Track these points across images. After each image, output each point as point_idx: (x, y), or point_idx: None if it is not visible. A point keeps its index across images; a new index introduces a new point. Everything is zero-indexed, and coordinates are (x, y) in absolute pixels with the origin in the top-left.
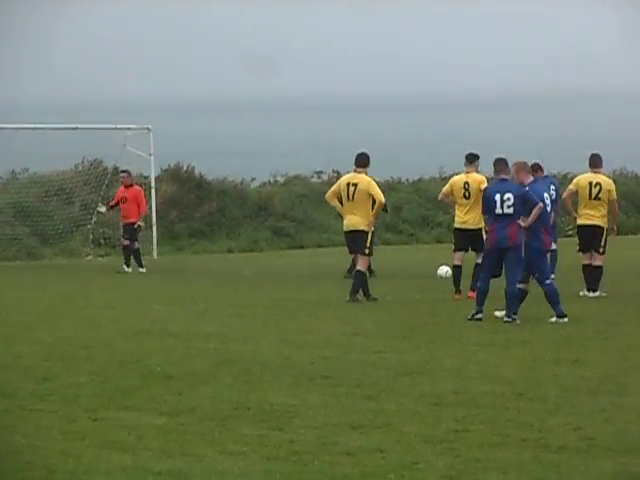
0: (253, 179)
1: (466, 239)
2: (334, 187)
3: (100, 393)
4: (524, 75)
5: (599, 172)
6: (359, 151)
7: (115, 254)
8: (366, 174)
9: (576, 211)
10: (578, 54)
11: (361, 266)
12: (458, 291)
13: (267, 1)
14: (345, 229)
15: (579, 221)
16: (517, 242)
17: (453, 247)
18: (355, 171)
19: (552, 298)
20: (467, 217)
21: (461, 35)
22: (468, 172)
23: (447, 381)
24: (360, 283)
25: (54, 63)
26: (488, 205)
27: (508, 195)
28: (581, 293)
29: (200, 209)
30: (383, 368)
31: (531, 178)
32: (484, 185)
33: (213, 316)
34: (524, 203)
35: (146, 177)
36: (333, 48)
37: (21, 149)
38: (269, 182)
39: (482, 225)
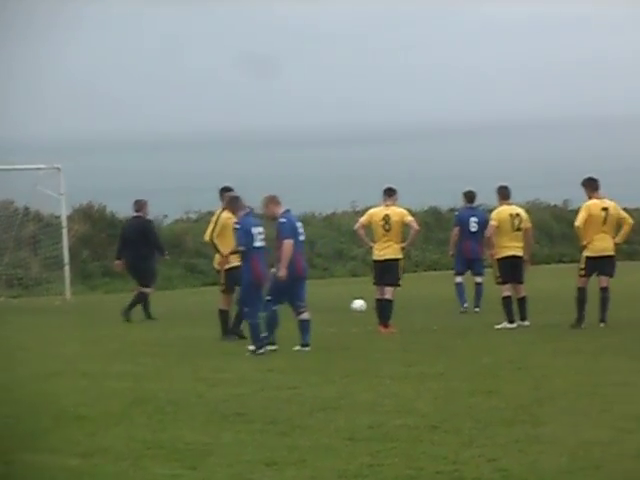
0: (165, 216)
1: (385, 271)
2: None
3: (12, 436)
4: (410, 109)
5: (512, 203)
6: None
7: (27, 295)
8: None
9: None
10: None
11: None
12: (382, 324)
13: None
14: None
15: (504, 253)
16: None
17: (373, 280)
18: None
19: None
20: (386, 250)
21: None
22: (388, 205)
23: (361, 415)
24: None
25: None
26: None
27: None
28: (499, 326)
29: (112, 248)
30: (297, 404)
31: (282, 208)
32: (407, 218)
33: (126, 355)
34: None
35: (57, 217)
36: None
37: None
38: (182, 219)
39: (400, 256)
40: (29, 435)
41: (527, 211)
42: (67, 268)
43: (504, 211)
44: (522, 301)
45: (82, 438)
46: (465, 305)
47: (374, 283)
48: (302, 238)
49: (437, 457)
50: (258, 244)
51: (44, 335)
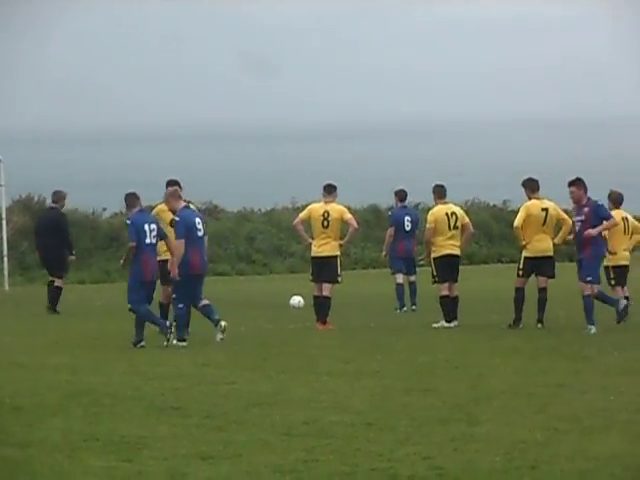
0: (104, 209)
1: (324, 268)
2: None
3: None
4: (361, 107)
5: (448, 202)
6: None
7: None
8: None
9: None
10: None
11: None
12: (320, 320)
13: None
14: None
15: (443, 251)
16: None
17: (311, 277)
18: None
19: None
20: (325, 246)
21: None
22: (327, 201)
23: (298, 411)
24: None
25: None
26: None
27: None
28: (436, 325)
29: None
30: (234, 399)
31: (182, 204)
32: (347, 215)
33: (64, 347)
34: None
35: None
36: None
37: None
38: (120, 212)
39: (338, 253)
40: None
41: (466, 211)
42: (6, 259)
43: (440, 210)
44: (455, 300)
45: (18, 429)
46: (404, 309)
47: (312, 280)
48: (200, 234)
49: (372, 454)
50: (148, 241)
51: None
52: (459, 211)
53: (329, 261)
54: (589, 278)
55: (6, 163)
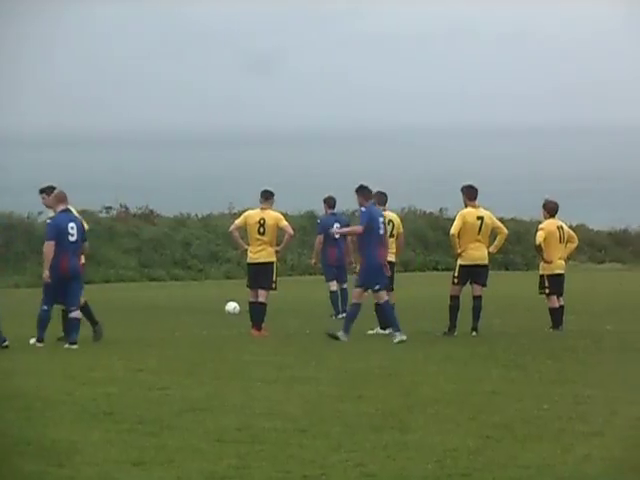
0: (40, 213)
1: (260, 274)
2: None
3: None
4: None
5: (387, 209)
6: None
7: None
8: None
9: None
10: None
11: None
12: (255, 327)
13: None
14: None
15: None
16: None
17: (247, 283)
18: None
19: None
20: (260, 253)
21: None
22: (264, 208)
23: (230, 417)
24: None
25: None
26: None
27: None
28: (371, 331)
29: None
30: (167, 404)
31: (61, 207)
32: (282, 222)
33: None
34: None
35: None
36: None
37: None
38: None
39: (274, 260)
40: None
41: (401, 218)
42: None
43: (385, 217)
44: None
45: None
46: (340, 315)
47: (248, 286)
48: (73, 239)
49: (305, 461)
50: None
51: None
52: (397, 219)
53: (265, 267)
54: (377, 286)
55: None
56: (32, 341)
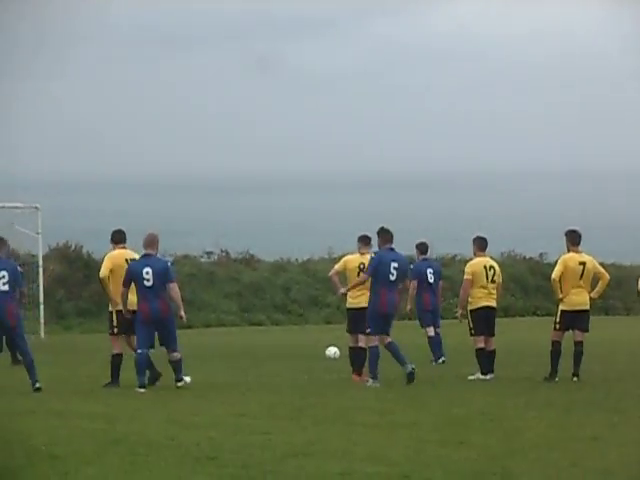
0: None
1: (359, 319)
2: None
3: None
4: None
5: (487, 255)
6: (116, 229)
7: None
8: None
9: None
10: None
11: None
12: (356, 372)
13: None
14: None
15: (479, 304)
16: None
17: (347, 328)
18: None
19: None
20: (360, 298)
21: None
22: (362, 253)
23: (333, 462)
24: None
25: None
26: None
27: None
28: (472, 377)
29: (88, 288)
30: (269, 449)
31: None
32: None
33: (99, 396)
34: None
35: (34, 256)
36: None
37: None
38: None
39: None
40: (2, 472)
41: (500, 264)
42: (42, 307)
43: (479, 263)
44: (491, 354)
45: (54, 477)
46: (440, 360)
47: (347, 331)
48: (148, 284)
49: None
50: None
51: (16, 374)
52: (497, 266)
53: (365, 312)
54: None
55: (44, 210)
56: (136, 389)
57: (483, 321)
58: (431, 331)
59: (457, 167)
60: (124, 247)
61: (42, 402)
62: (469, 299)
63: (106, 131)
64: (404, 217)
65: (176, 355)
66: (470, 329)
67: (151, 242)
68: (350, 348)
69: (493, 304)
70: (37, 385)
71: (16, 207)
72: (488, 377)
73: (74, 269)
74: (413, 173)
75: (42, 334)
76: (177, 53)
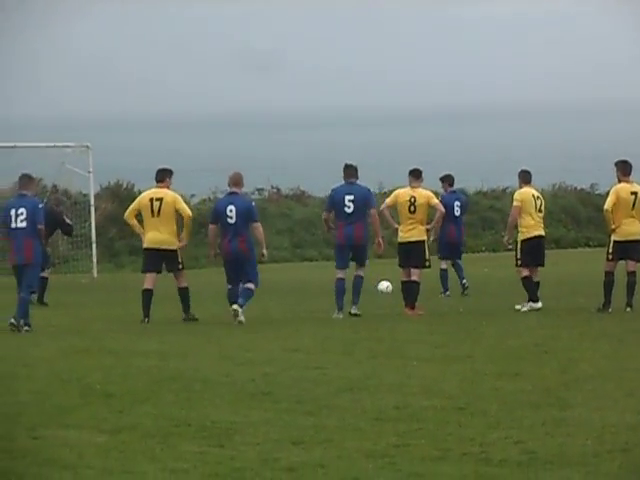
0: (193, 195)
1: (410, 253)
2: (133, 205)
3: (40, 412)
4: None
5: (533, 186)
6: (160, 167)
7: (55, 272)
8: (168, 188)
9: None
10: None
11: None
12: (409, 305)
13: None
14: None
15: (532, 232)
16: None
17: (399, 262)
18: (157, 186)
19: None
20: (412, 232)
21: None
22: (414, 187)
23: (388, 396)
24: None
25: None
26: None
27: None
28: (520, 307)
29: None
30: (324, 384)
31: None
32: (433, 200)
33: (153, 333)
34: None
35: (85, 195)
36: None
37: None
38: (209, 199)
39: (425, 238)
40: (57, 411)
41: (552, 196)
42: (94, 246)
43: (527, 192)
44: (537, 285)
45: (109, 415)
46: (447, 293)
47: (400, 265)
48: (231, 221)
49: (464, 439)
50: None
51: (71, 312)
52: (542, 197)
53: (416, 246)
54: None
55: (95, 149)
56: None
57: (534, 251)
58: (444, 264)
59: (506, 98)
60: (162, 186)
61: (96, 340)
62: (520, 229)
63: (156, 71)
64: (452, 150)
65: (251, 285)
66: (517, 259)
67: (236, 181)
68: (403, 282)
69: (543, 233)
70: (12, 321)
71: (67, 146)
72: (539, 304)
73: (126, 208)
74: (452, 105)
75: (95, 273)
76: None
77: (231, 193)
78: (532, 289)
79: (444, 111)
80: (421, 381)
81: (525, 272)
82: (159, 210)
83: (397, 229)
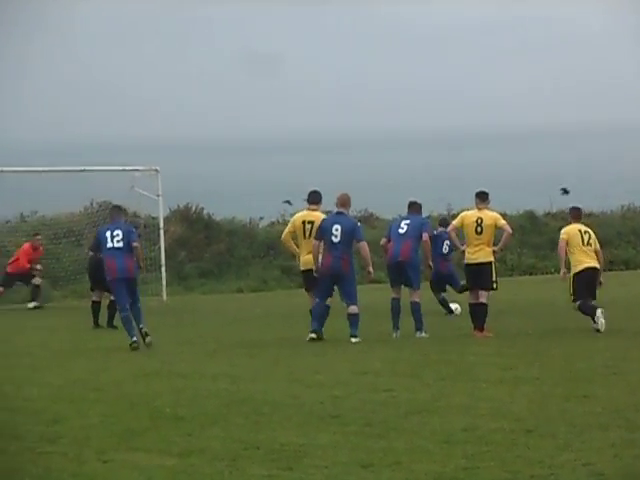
0: (261, 218)
1: (477, 275)
2: (289, 228)
3: (110, 435)
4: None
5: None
6: (312, 189)
7: None
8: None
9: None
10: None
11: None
12: (477, 328)
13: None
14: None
15: (582, 265)
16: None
17: (466, 284)
18: (308, 209)
19: None
20: (478, 253)
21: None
22: (480, 208)
23: (457, 418)
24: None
25: (48, 104)
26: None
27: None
28: (594, 325)
29: (209, 249)
30: (392, 406)
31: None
32: (500, 221)
33: (222, 356)
34: None
35: (154, 218)
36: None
37: (30, 192)
38: (277, 221)
39: (492, 259)
40: (126, 434)
41: (621, 217)
42: (163, 269)
43: (574, 227)
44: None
45: (179, 438)
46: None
47: (467, 287)
48: (335, 240)
49: (533, 461)
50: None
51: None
52: (591, 232)
53: (483, 268)
54: None
55: (164, 173)
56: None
57: (585, 283)
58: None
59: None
60: (315, 208)
61: (166, 364)
62: (572, 264)
63: (235, 94)
64: (517, 171)
65: (354, 308)
66: (571, 295)
67: (344, 202)
68: (470, 304)
69: (595, 265)
70: (141, 326)
71: (136, 170)
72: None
73: (195, 231)
74: (519, 126)
75: (164, 296)
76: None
77: (338, 213)
78: (589, 310)
79: (510, 131)
80: (490, 403)
81: (580, 301)
82: (310, 232)
83: (464, 251)
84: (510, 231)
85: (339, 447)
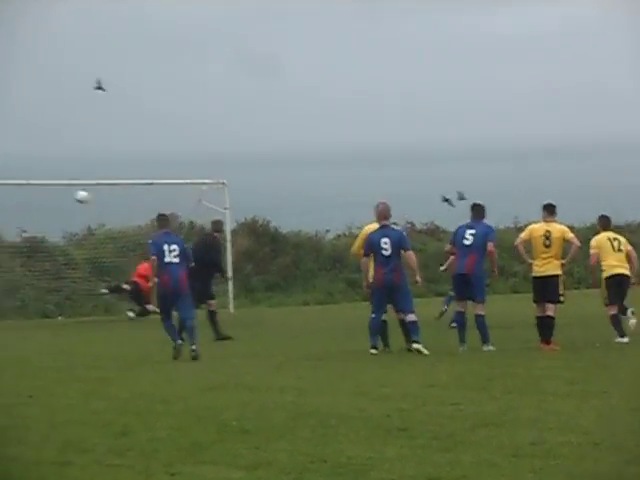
0: (327, 231)
1: (544, 288)
2: (358, 242)
3: (177, 448)
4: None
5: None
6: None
7: None
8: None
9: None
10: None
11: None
12: (544, 341)
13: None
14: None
15: (612, 271)
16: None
17: (533, 297)
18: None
19: None
20: (546, 266)
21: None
22: (548, 221)
23: (524, 432)
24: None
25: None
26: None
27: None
28: (620, 339)
29: (275, 262)
30: (460, 419)
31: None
32: (568, 234)
33: (289, 369)
34: None
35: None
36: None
37: (97, 205)
38: (344, 234)
39: (560, 272)
40: (193, 447)
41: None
42: (230, 282)
43: (602, 236)
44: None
45: (245, 451)
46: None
47: (534, 300)
48: (386, 253)
49: (600, 475)
50: (167, 259)
51: (207, 348)
52: (621, 237)
53: (551, 281)
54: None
55: (231, 186)
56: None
57: (615, 288)
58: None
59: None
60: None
61: (233, 376)
62: (603, 268)
63: (296, 108)
64: (574, 183)
65: (412, 316)
66: (605, 298)
67: (386, 214)
68: (537, 317)
69: (625, 272)
70: (193, 347)
71: (203, 183)
72: (626, 339)
73: (262, 244)
74: (581, 137)
75: (231, 308)
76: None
77: (383, 226)
78: (619, 326)
79: (571, 143)
80: (557, 417)
81: (613, 311)
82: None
83: (531, 264)
84: (578, 244)
85: (406, 460)
